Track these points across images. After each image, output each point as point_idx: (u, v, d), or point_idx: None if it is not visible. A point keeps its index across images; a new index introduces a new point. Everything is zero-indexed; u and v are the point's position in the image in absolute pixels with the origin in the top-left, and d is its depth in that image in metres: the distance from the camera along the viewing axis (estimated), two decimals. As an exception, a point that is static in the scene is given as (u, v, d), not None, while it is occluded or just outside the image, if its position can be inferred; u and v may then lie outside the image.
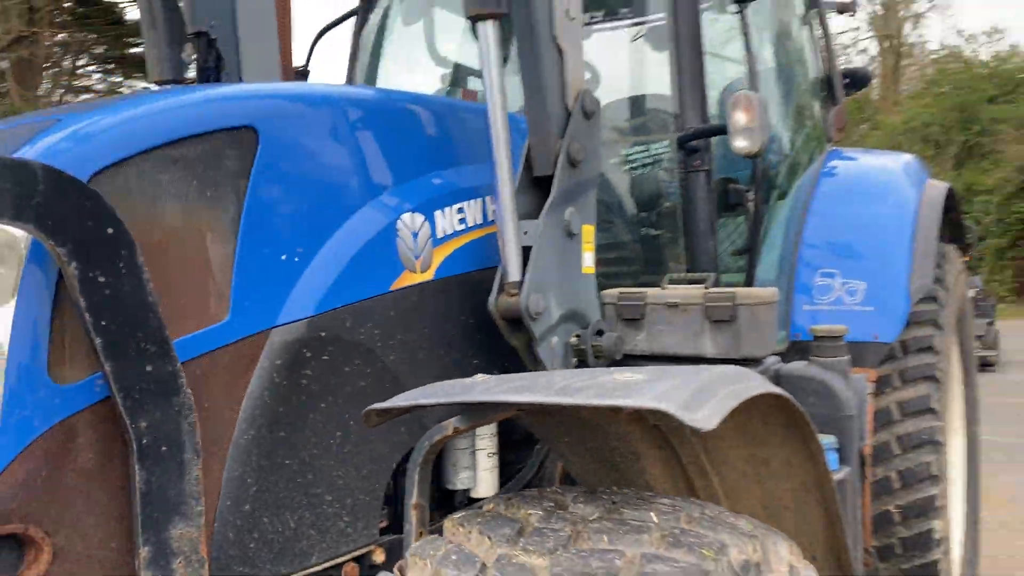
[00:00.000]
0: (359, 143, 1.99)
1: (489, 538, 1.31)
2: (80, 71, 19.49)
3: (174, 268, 1.57)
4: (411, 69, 3.74)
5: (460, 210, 2.20)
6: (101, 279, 1.39)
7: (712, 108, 2.85)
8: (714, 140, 2.73)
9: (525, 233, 2.07)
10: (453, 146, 2.29)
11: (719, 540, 1.29)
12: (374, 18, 3.62)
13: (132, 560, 1.47)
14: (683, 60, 2.77)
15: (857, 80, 4.03)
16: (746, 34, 2.73)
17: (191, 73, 2.74)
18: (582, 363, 2.20)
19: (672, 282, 2.61)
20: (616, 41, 3.49)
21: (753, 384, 1.43)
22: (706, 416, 1.19)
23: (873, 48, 39.23)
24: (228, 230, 1.67)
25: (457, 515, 1.49)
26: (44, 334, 1.41)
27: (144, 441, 1.45)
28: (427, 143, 2.22)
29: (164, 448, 1.48)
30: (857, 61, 37.44)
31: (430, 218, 2.11)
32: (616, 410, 1.56)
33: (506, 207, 2.01)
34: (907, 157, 3.83)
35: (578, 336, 2.20)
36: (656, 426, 1.84)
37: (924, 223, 3.28)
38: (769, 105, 2.63)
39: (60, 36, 17.90)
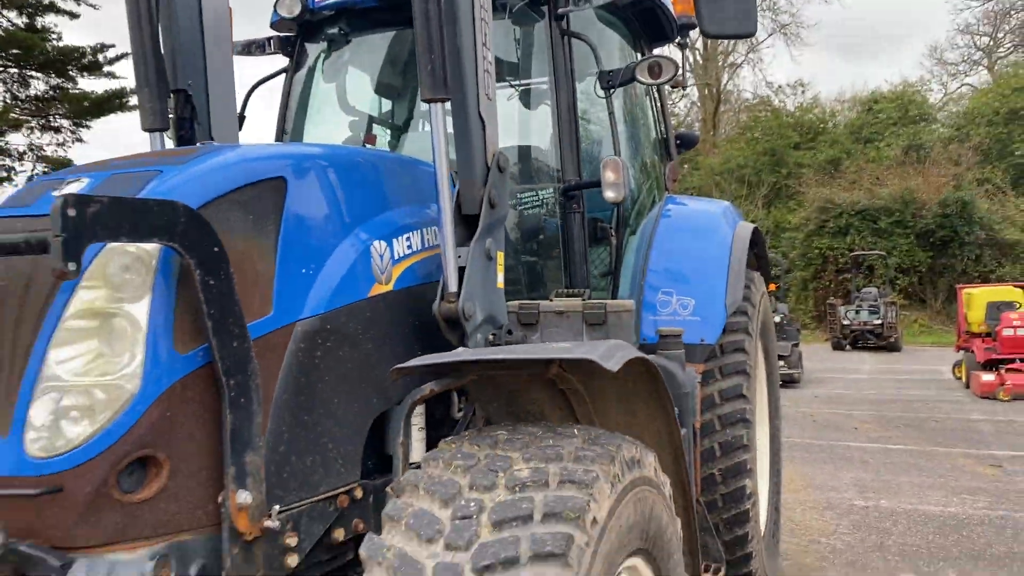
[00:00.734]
0: (346, 189, 2.70)
1: (477, 445, 2.08)
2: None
3: (240, 277, 2.23)
4: (328, 119, 4.43)
5: (407, 238, 2.94)
6: (211, 281, 2.05)
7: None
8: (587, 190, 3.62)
9: (458, 256, 2.83)
10: (400, 190, 3.03)
11: (617, 442, 2.13)
12: (300, 75, 4.28)
13: (222, 476, 2.12)
14: (563, 128, 3.65)
15: (687, 141, 5.08)
16: (611, 112, 3.65)
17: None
18: None
19: (557, 296, 3.46)
20: (505, 100, 4.33)
21: (633, 351, 2.28)
22: (614, 363, 2.03)
23: (694, 94, 42.63)
24: (270, 252, 2.35)
25: (431, 453, 2.21)
26: (169, 319, 2.05)
27: (232, 394, 2.11)
28: (385, 188, 2.95)
29: (242, 400, 2.13)
30: (681, 105, 40.53)
31: (390, 244, 2.83)
32: (548, 365, 2.35)
33: (448, 238, 2.77)
34: (724, 203, 4.92)
35: (494, 334, 2.98)
36: (561, 390, 2.65)
37: (736, 255, 4.31)
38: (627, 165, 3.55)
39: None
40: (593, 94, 3.83)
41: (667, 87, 4.71)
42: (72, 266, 1.75)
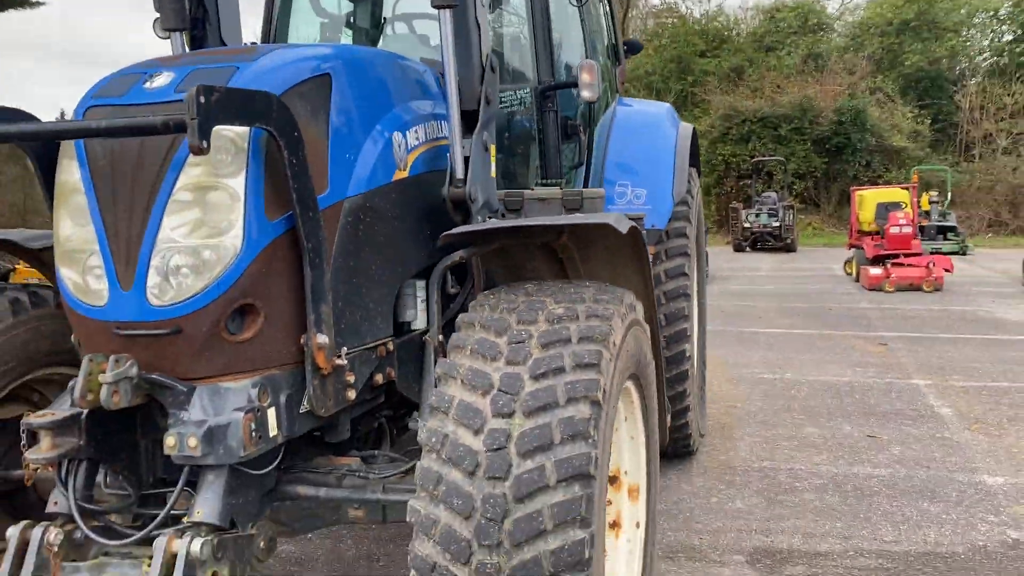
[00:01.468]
0: (374, 85, 3.10)
1: (514, 295, 2.60)
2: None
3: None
4: (308, 21, 4.73)
5: (415, 131, 3.36)
6: (294, 160, 2.46)
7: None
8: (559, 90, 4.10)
9: (462, 147, 3.29)
10: (404, 87, 3.44)
11: (620, 291, 2.69)
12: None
13: (303, 322, 2.59)
14: (538, 34, 4.09)
15: (632, 47, 5.58)
16: (583, 20, 4.11)
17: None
18: None
19: (538, 185, 3.97)
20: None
21: (629, 220, 2.83)
22: (624, 226, 2.58)
23: None
24: (324, 139, 2.76)
25: (478, 300, 2.71)
26: (260, 191, 2.45)
27: (310, 255, 2.55)
28: (396, 85, 3.36)
29: (317, 260, 2.58)
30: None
31: (404, 135, 3.26)
32: (561, 233, 2.87)
33: (456, 130, 3.22)
34: (667, 105, 5.47)
35: (491, 216, 3.48)
36: (559, 259, 3.18)
37: (681, 152, 4.89)
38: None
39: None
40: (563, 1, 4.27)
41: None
42: (205, 144, 2.15)
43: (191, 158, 2.39)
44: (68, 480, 2.49)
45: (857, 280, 16.57)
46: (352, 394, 2.84)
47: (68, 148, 2.50)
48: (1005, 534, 4.28)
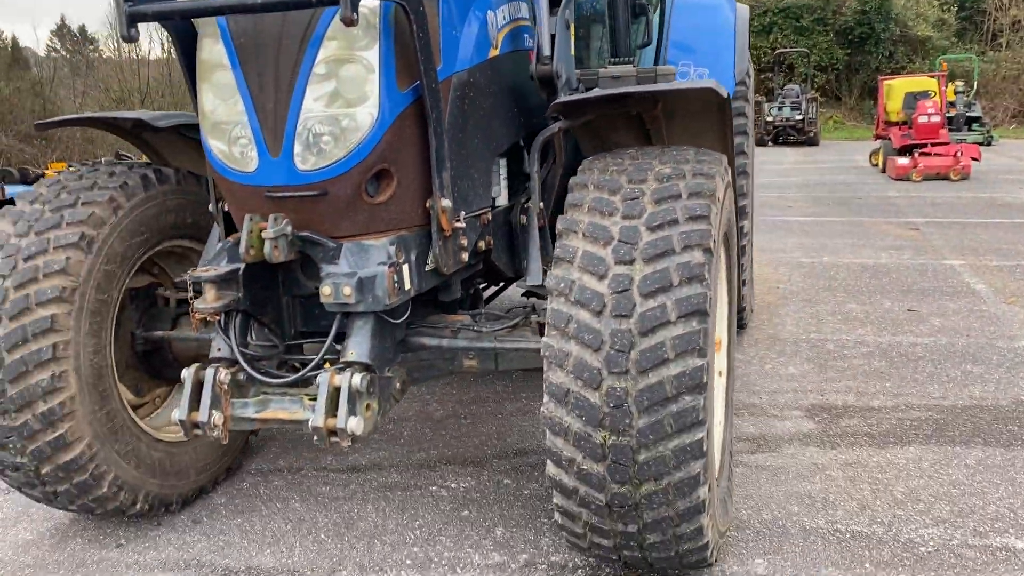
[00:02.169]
0: None
1: (619, 159, 2.83)
2: None
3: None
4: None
5: (503, 10, 3.53)
6: (420, 33, 2.64)
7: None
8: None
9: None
10: None
11: (717, 154, 2.91)
12: None
13: (429, 187, 2.83)
14: None
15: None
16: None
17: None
18: None
19: (611, 64, 4.13)
20: None
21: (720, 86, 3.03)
22: (724, 91, 2.78)
23: None
24: (437, 15, 2.93)
25: (586, 164, 2.92)
26: (392, 63, 2.65)
27: (435, 124, 2.77)
28: None
29: (439, 128, 2.80)
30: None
31: (496, 14, 3.43)
32: (656, 101, 3.07)
33: (543, 10, 3.38)
34: (723, -13, 5.54)
35: (572, 91, 3.67)
36: (644, 131, 3.39)
37: (740, 31, 5.01)
38: None
39: None
40: None
41: None
42: (355, 15, 2.35)
43: (328, 33, 2.59)
44: (228, 329, 2.80)
45: (883, 171, 16.61)
46: (465, 256, 3.11)
47: (210, 28, 2.69)
48: (1045, 391, 4.60)
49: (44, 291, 2.93)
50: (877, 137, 18.78)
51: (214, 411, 2.70)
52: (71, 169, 3.42)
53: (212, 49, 2.69)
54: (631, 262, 2.47)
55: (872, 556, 2.98)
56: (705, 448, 2.42)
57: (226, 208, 3.18)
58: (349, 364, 2.69)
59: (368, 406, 2.67)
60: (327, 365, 2.74)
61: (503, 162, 3.50)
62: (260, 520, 3.44)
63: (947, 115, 18.68)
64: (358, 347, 2.71)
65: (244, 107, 2.64)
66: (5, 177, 14.64)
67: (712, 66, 4.84)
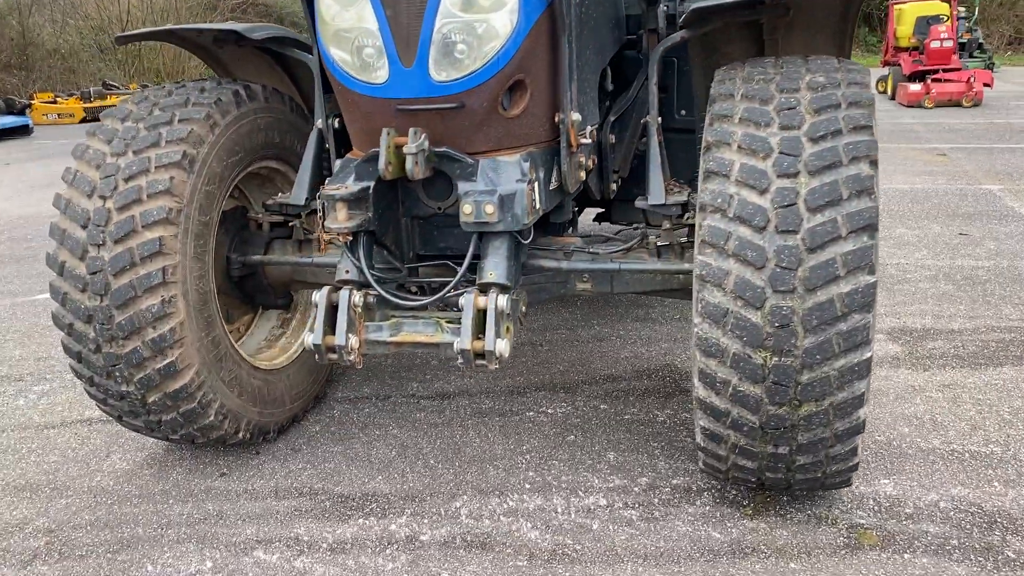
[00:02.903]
0: None
1: (761, 66, 2.68)
2: None
3: None
4: None
5: None
6: None
7: None
8: None
9: None
10: None
11: (860, 66, 2.77)
12: None
13: (557, 102, 2.69)
14: None
15: None
16: None
17: None
18: None
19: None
20: None
21: None
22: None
23: None
24: None
25: (724, 71, 2.76)
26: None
27: (568, 32, 2.62)
28: None
29: (570, 36, 2.65)
30: None
31: None
32: (788, 7, 2.91)
33: None
34: None
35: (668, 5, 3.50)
36: (758, 42, 3.23)
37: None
38: None
39: None
40: None
41: None
42: None
43: (465, -60, 2.41)
44: (356, 250, 2.68)
45: (893, 98, 16.43)
46: (583, 175, 2.99)
47: (332, -76, 2.51)
48: (1119, 312, 4.57)
49: (150, 212, 2.78)
50: (885, 64, 18.50)
51: (350, 335, 2.60)
52: (152, 87, 3.24)
53: (334, -48, 2.51)
54: (795, 175, 2.35)
55: (999, 475, 2.96)
56: (871, 367, 2.35)
57: (336, 125, 3.03)
58: (488, 286, 2.58)
59: (508, 328, 2.57)
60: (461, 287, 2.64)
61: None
62: (362, 447, 3.37)
63: (960, 40, 18.44)
64: (496, 268, 2.59)
65: (375, 13, 2.47)
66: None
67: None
